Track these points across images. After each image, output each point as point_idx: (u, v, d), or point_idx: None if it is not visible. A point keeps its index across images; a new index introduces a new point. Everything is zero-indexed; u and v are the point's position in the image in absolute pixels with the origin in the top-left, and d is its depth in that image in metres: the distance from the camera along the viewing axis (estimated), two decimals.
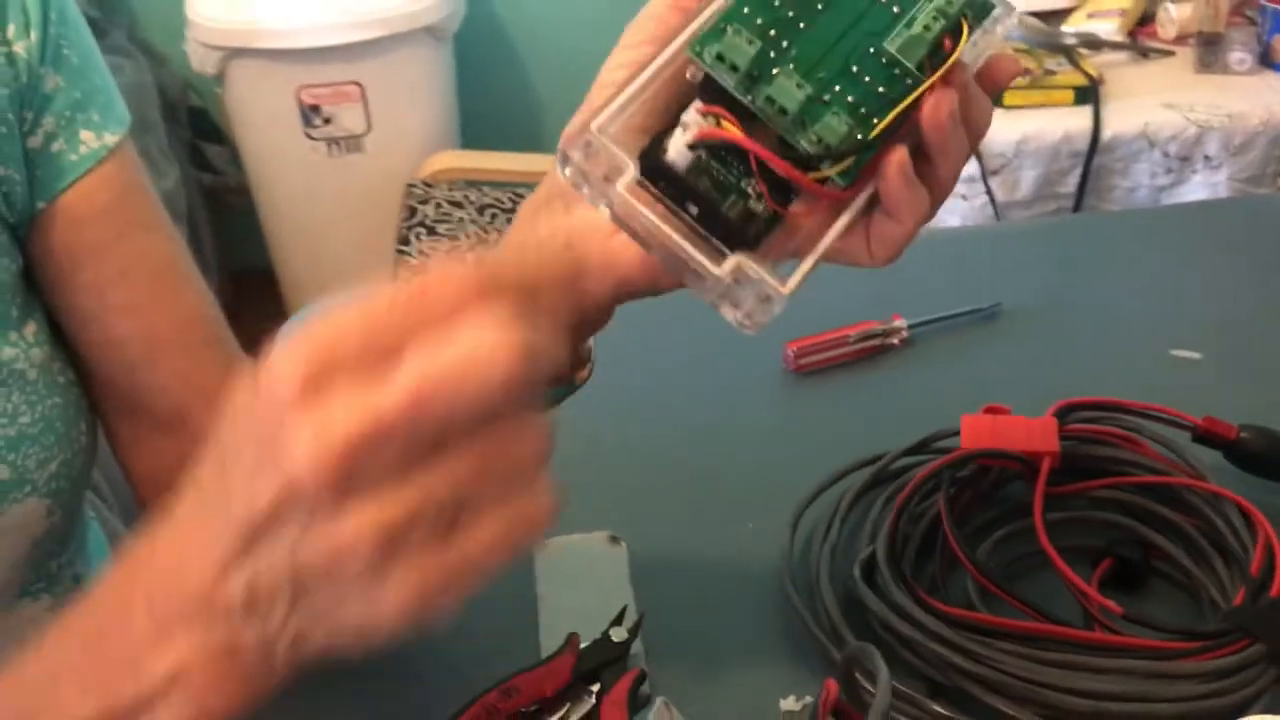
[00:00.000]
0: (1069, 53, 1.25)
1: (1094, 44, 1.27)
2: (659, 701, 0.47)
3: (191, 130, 2.11)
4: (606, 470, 0.70)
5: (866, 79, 0.42)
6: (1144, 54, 1.29)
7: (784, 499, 0.64)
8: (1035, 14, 1.30)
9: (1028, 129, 1.19)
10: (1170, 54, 1.30)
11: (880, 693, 0.42)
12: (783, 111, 0.42)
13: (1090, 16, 1.30)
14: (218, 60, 1.87)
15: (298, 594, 0.34)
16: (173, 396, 0.59)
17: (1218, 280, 0.86)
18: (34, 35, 0.54)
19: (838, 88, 0.42)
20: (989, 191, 1.18)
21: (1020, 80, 1.21)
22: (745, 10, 0.42)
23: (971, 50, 0.44)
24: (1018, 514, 0.61)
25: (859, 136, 0.42)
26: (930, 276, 0.87)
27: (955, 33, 0.43)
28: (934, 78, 0.42)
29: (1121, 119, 1.19)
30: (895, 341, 0.79)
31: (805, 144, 0.42)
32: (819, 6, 0.43)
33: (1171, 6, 1.30)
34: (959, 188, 1.21)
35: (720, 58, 0.42)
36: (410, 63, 1.90)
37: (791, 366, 0.77)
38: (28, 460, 0.54)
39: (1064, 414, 0.64)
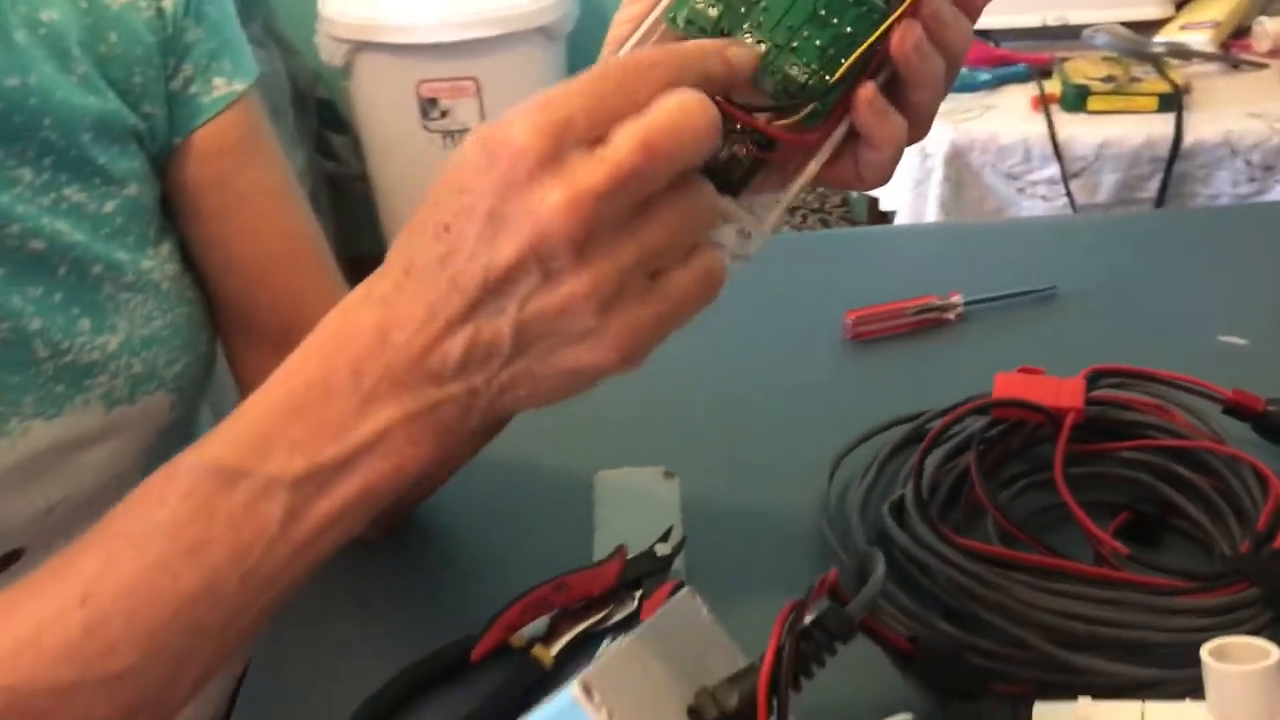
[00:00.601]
0: (1156, 61, 1.27)
1: (1184, 54, 1.29)
2: (686, 589, 0.53)
3: (318, 119, 2.24)
4: (667, 412, 0.76)
5: (834, 21, 0.44)
6: (1235, 66, 1.30)
7: (828, 450, 0.69)
8: (1128, 24, 1.32)
9: (1109, 133, 1.21)
10: (1263, 66, 1.30)
11: (871, 583, 0.46)
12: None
13: (1183, 28, 1.32)
14: (345, 53, 1.99)
15: (517, 348, 0.39)
16: (281, 313, 0.66)
17: (1275, 274, 0.88)
18: None
19: (806, 34, 0.44)
20: (1069, 194, 1.21)
21: (1104, 86, 1.24)
22: None
23: None
24: (1043, 469, 0.65)
25: (826, 78, 0.44)
26: (991, 259, 0.91)
27: None
28: (896, 13, 0.43)
29: (1205, 126, 1.21)
30: (951, 316, 0.83)
31: (772, 91, 0.44)
32: None
33: (1266, 20, 1.31)
34: (1039, 189, 1.24)
35: (690, 21, 0.44)
36: (524, 60, 1.99)
37: (850, 334, 0.82)
38: (158, 359, 0.62)
39: (1095, 379, 0.67)
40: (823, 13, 0.44)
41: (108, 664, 0.42)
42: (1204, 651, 0.47)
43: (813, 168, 0.46)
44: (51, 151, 0.58)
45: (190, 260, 0.66)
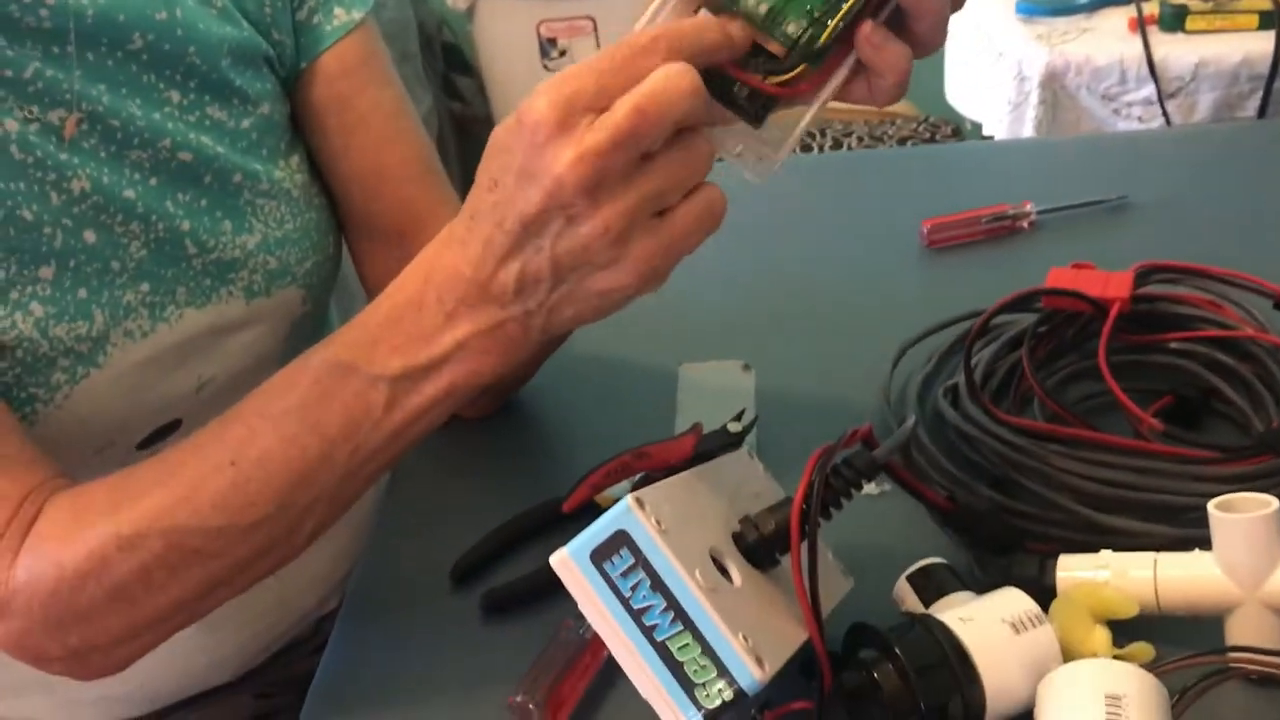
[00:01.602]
0: None
1: None
2: (745, 449, 0.60)
3: (444, 63, 2.34)
4: (750, 310, 0.83)
5: None
6: None
7: (897, 345, 0.75)
8: None
9: (1206, 53, 1.21)
10: None
11: (899, 432, 0.53)
12: (757, 14, 0.50)
13: None
14: None
15: (557, 277, 0.49)
16: (398, 217, 0.74)
17: None
18: None
19: None
20: (1165, 114, 1.22)
21: (1203, 6, 1.24)
22: None
23: None
24: (1091, 357, 0.69)
25: (816, 36, 0.49)
26: (1069, 171, 0.95)
27: None
28: None
29: None
30: (1024, 225, 0.87)
31: (781, 43, 0.50)
32: None
33: None
34: (1135, 109, 1.25)
35: None
36: None
37: (927, 242, 0.87)
38: (290, 257, 0.71)
39: (1146, 274, 0.71)
40: None
41: (247, 514, 0.54)
42: (1211, 505, 0.52)
43: (816, 107, 0.52)
44: (195, 75, 0.66)
45: (317, 171, 0.75)
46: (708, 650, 0.46)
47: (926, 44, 0.51)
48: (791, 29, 0.50)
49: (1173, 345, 0.70)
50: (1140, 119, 1.23)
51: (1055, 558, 0.55)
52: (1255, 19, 1.22)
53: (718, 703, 0.46)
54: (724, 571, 0.50)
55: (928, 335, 0.75)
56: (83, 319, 0.62)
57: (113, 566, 0.54)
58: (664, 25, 0.49)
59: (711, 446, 0.68)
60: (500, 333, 0.52)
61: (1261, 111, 1.20)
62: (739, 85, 0.51)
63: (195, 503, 0.54)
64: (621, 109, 0.46)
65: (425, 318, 0.52)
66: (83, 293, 0.62)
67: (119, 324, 0.63)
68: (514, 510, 0.67)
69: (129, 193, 0.63)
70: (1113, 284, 0.69)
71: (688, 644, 0.46)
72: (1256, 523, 0.51)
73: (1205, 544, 0.53)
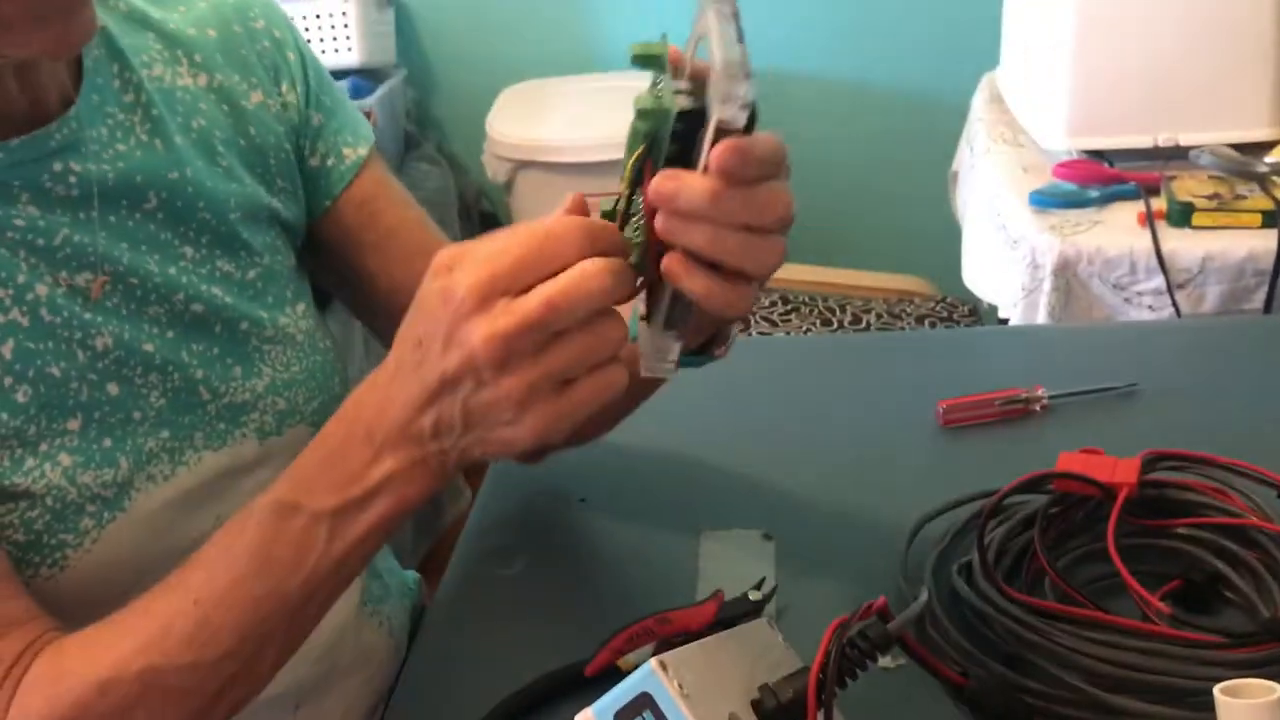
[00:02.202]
0: (1262, 180, 1.32)
1: None
2: (765, 619, 0.62)
3: (482, 232, 2.43)
4: (769, 479, 0.86)
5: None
6: None
7: (912, 520, 0.77)
8: (1238, 146, 1.39)
9: (1213, 247, 1.27)
10: None
11: (913, 606, 0.55)
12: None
13: None
14: (509, 170, 2.17)
15: (466, 425, 0.55)
16: None
17: None
18: (299, 88, 0.78)
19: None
20: (1175, 305, 1.27)
21: (1208, 204, 1.30)
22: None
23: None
24: (1101, 539, 0.71)
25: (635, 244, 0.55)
26: (1080, 358, 0.99)
27: (648, 152, 0.52)
28: (624, 190, 0.54)
29: None
30: (1036, 408, 0.91)
31: None
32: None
33: None
34: (1145, 299, 1.30)
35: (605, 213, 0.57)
36: None
37: (941, 421, 0.90)
38: (298, 397, 0.75)
39: (1153, 461, 0.74)
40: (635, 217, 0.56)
41: (213, 649, 0.59)
42: (1217, 690, 0.54)
43: (660, 309, 0.56)
44: (206, 230, 0.72)
45: (357, 289, 0.82)
46: None
47: (739, 277, 0.53)
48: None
49: (1180, 530, 0.72)
50: (1151, 308, 1.28)
51: None
52: (1259, 217, 1.27)
53: None
54: None
55: (943, 512, 0.77)
56: (108, 466, 0.65)
57: (94, 712, 0.58)
58: (580, 219, 0.54)
59: (732, 614, 0.71)
60: (421, 467, 0.58)
61: (1267, 306, 1.25)
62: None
63: (165, 644, 0.58)
64: (534, 298, 0.52)
65: (355, 457, 0.58)
66: (107, 442, 0.66)
67: (142, 469, 0.67)
68: (535, 672, 0.68)
69: (148, 346, 0.68)
70: (1121, 470, 0.72)
71: None
72: (1263, 709, 0.52)
73: None
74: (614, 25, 2.34)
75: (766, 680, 0.54)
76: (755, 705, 0.53)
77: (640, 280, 0.56)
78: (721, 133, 0.50)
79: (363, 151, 0.81)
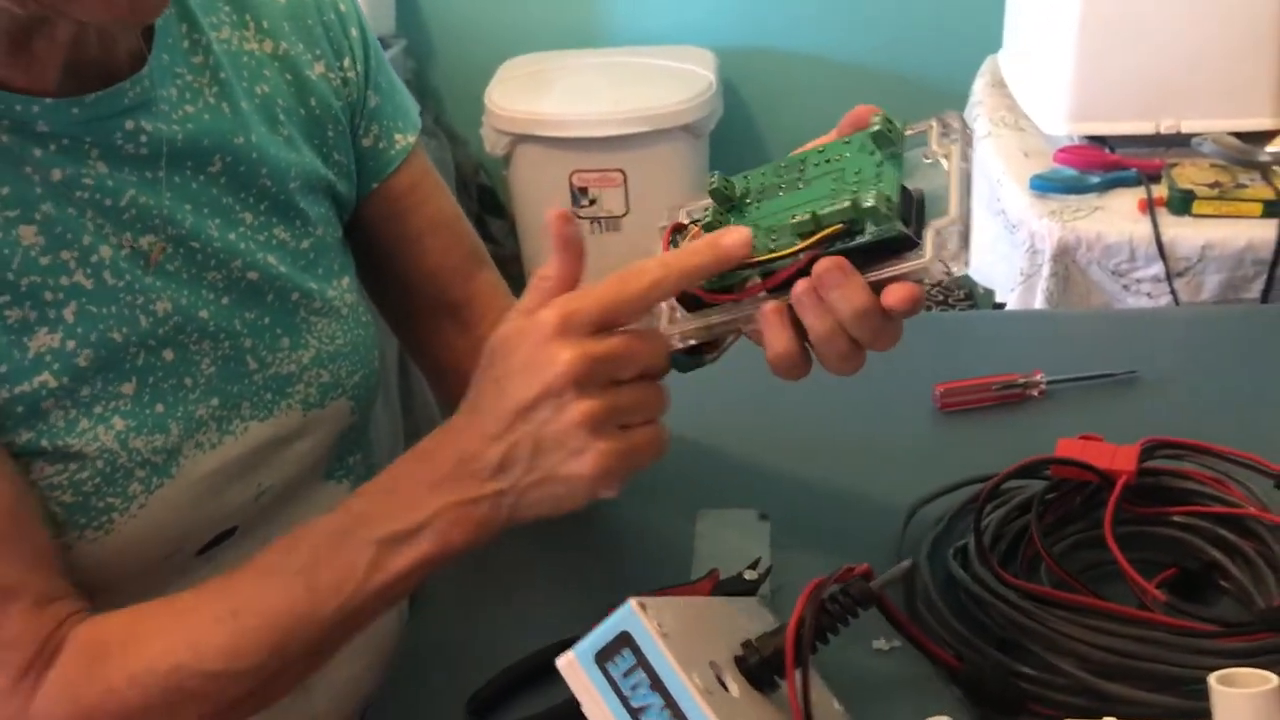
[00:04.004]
0: (1263, 170, 1.32)
1: None
2: (757, 598, 0.62)
3: (479, 204, 2.42)
4: (766, 461, 0.86)
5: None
6: None
7: (908, 503, 0.77)
8: (1240, 134, 1.38)
9: (1213, 236, 1.26)
10: None
11: (897, 567, 0.57)
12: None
13: None
14: (507, 144, 2.16)
15: (534, 457, 0.57)
16: (466, 304, 0.84)
17: None
18: (360, 66, 0.78)
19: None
20: (1173, 293, 1.27)
21: (1210, 192, 1.30)
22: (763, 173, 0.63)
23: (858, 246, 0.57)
24: (1098, 526, 0.71)
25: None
26: (1080, 344, 0.99)
27: (842, 234, 0.57)
28: (792, 250, 0.58)
29: None
30: (1034, 393, 0.90)
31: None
32: (800, 184, 0.61)
33: None
34: (1144, 286, 1.30)
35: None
36: (669, 155, 2.14)
37: (939, 405, 0.90)
38: (341, 370, 0.75)
39: (1152, 449, 0.74)
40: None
41: (241, 661, 0.59)
42: (1212, 679, 0.54)
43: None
44: (267, 197, 0.72)
45: (370, 285, 0.83)
46: None
47: (813, 342, 0.60)
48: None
49: (1177, 519, 0.72)
50: (1149, 295, 1.28)
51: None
52: (1259, 207, 1.27)
53: None
54: (723, 685, 0.52)
55: (939, 495, 0.77)
56: (159, 432, 0.66)
57: (122, 701, 0.59)
58: (662, 265, 0.58)
59: (728, 592, 0.71)
60: (473, 509, 0.58)
61: (1265, 296, 1.25)
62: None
63: (199, 648, 0.59)
64: (619, 335, 0.57)
65: (414, 489, 0.59)
66: (160, 408, 0.66)
67: (191, 436, 0.67)
68: (531, 647, 0.68)
69: (203, 313, 0.68)
70: (1120, 457, 0.71)
71: None
72: (1257, 698, 0.53)
73: (1206, 716, 0.54)
74: (616, 1, 2.33)
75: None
76: (738, 661, 0.54)
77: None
78: (912, 274, 0.56)
79: (411, 139, 0.81)
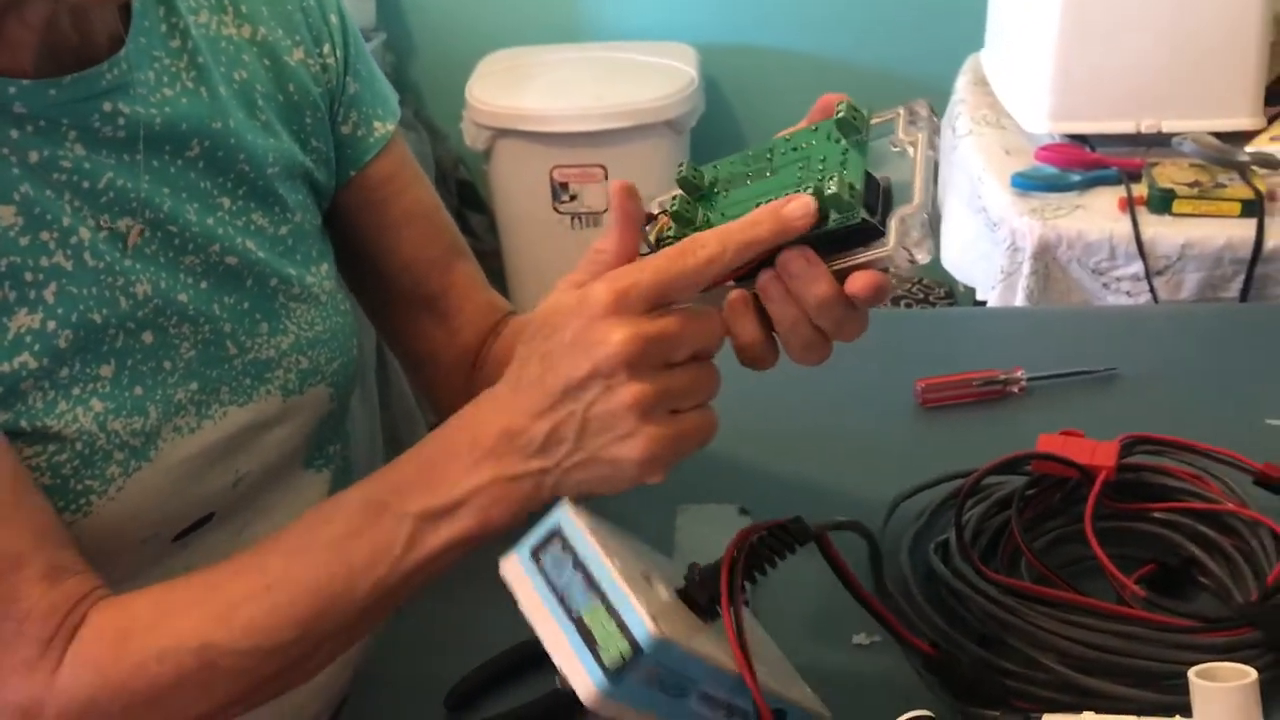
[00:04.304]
0: (1242, 169, 1.33)
1: (1270, 164, 1.34)
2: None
3: (459, 199, 2.41)
4: (747, 456, 0.86)
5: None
6: None
7: (888, 498, 0.77)
8: (1220, 134, 1.39)
9: (1192, 235, 1.27)
10: None
11: (842, 520, 0.59)
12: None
13: (1273, 140, 1.37)
14: (487, 138, 2.15)
15: (580, 437, 0.54)
16: (443, 296, 0.84)
17: None
18: (339, 53, 0.77)
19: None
20: (1153, 291, 1.27)
21: (1189, 191, 1.30)
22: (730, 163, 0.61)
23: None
24: (1078, 522, 0.71)
25: None
26: (1060, 341, 0.99)
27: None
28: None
29: None
30: (1015, 390, 0.91)
31: None
32: (767, 173, 0.59)
33: None
34: (1123, 284, 1.30)
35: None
36: (650, 150, 2.13)
37: (920, 400, 0.90)
38: (320, 357, 0.75)
39: (1132, 445, 0.74)
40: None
41: (273, 637, 0.58)
42: (1191, 673, 0.54)
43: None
44: (245, 182, 0.71)
45: (348, 273, 0.82)
46: (612, 612, 0.49)
47: (780, 332, 0.58)
48: None
49: (1157, 515, 0.72)
50: (1129, 293, 1.28)
51: (1039, 716, 0.57)
52: (1238, 206, 1.28)
53: (616, 657, 0.48)
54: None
55: (920, 490, 0.77)
56: (138, 415, 0.65)
57: (151, 677, 0.57)
58: (721, 238, 0.55)
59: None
60: (515, 486, 0.56)
61: (1243, 295, 1.25)
62: None
63: (230, 624, 0.58)
64: (674, 314, 0.54)
65: (454, 463, 0.57)
66: (139, 390, 0.65)
67: (170, 420, 0.67)
68: (511, 640, 0.68)
69: (182, 296, 0.68)
70: (1100, 453, 0.72)
71: (596, 609, 0.50)
72: (1235, 692, 0.53)
73: (1185, 711, 0.54)
74: None
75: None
76: (682, 593, 0.55)
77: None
78: (877, 262, 0.55)
79: (391, 127, 0.81)
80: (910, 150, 0.57)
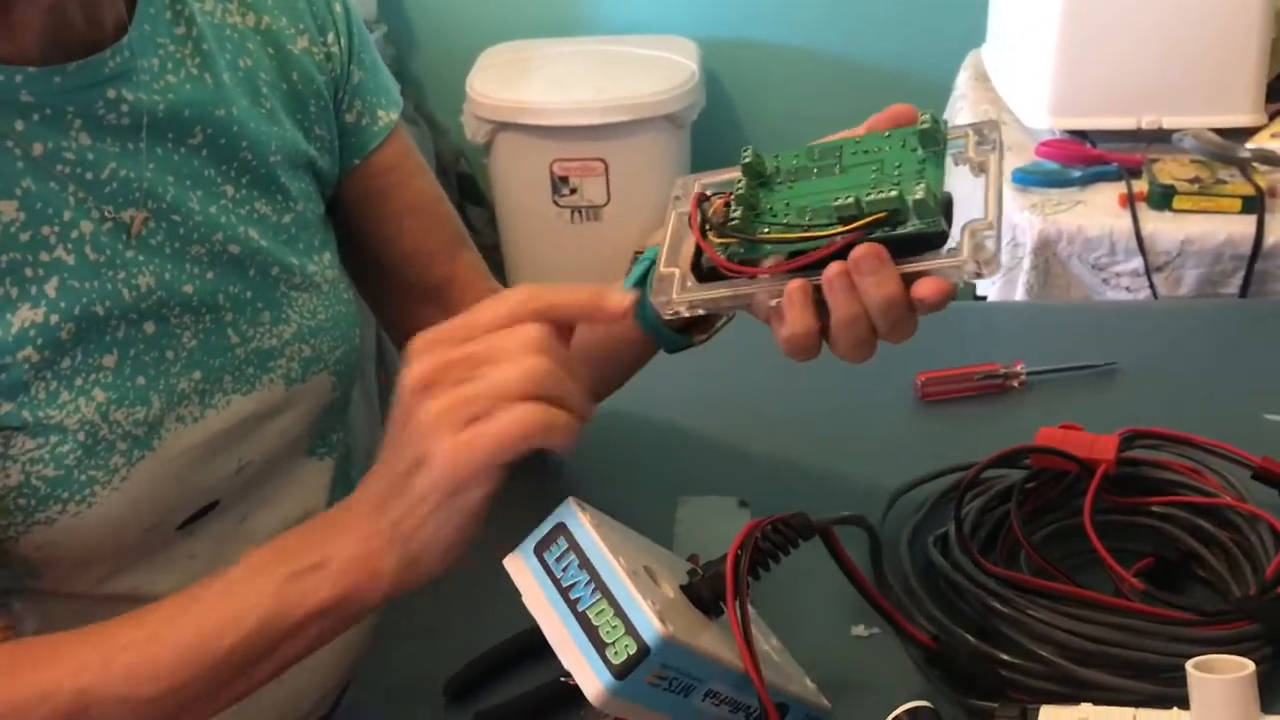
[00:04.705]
0: (1243, 166, 1.33)
1: (1271, 160, 1.34)
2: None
3: (459, 192, 2.41)
4: (746, 448, 0.86)
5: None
6: None
7: (888, 490, 0.77)
8: (1221, 130, 1.39)
9: (1192, 230, 1.27)
10: None
11: (845, 514, 0.59)
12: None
13: (1274, 136, 1.37)
14: (488, 131, 2.15)
15: (408, 478, 0.53)
16: (446, 285, 0.84)
17: None
18: (343, 41, 0.78)
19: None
20: (1152, 287, 1.27)
21: (1190, 187, 1.30)
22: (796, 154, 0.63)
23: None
24: (1077, 514, 0.71)
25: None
26: (1062, 335, 0.99)
27: (882, 223, 0.58)
28: (830, 232, 0.58)
29: None
30: (1015, 384, 0.91)
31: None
32: (836, 170, 0.61)
33: None
34: (1123, 280, 1.30)
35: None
36: (650, 144, 2.13)
37: (920, 394, 0.90)
38: (322, 345, 0.75)
39: (1131, 439, 0.74)
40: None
41: (145, 688, 0.56)
42: (1189, 665, 0.54)
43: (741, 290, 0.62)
44: (248, 171, 0.71)
45: (351, 261, 0.82)
46: (619, 612, 0.49)
47: (835, 330, 0.60)
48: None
49: (1155, 509, 0.72)
50: (1128, 289, 1.28)
51: (1037, 707, 0.57)
52: (1239, 203, 1.28)
53: (624, 658, 0.48)
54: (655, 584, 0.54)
55: (920, 484, 0.77)
56: (141, 405, 0.65)
57: (29, 716, 0.55)
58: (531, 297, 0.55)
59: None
60: (370, 546, 0.54)
61: (1243, 291, 1.25)
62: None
63: (108, 671, 0.56)
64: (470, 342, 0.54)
65: (326, 530, 0.56)
66: (141, 380, 0.65)
67: (173, 410, 0.67)
68: (509, 631, 0.68)
69: (187, 286, 0.68)
70: (1099, 446, 0.72)
71: (603, 609, 0.50)
72: (1233, 684, 0.53)
73: (1184, 703, 0.54)
74: None
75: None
76: (686, 589, 0.55)
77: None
78: (946, 270, 0.57)
79: (394, 116, 0.81)
80: (979, 170, 0.60)
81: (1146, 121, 1.42)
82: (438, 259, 0.84)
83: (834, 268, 0.58)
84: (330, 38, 0.77)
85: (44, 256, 0.61)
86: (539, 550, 0.53)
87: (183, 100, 0.67)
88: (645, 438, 0.89)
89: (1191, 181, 1.30)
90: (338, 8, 0.78)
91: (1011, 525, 0.70)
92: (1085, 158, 1.41)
